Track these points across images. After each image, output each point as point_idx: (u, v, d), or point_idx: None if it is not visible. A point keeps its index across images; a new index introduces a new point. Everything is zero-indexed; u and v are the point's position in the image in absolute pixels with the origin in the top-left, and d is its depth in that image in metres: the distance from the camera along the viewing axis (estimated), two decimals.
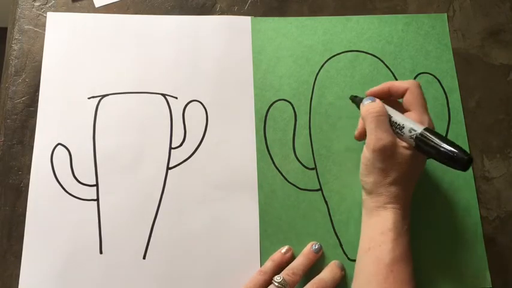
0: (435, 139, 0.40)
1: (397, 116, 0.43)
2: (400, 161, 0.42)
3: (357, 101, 0.48)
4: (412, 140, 0.41)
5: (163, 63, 0.53)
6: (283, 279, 0.44)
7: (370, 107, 0.44)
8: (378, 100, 0.45)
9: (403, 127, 0.42)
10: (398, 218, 0.42)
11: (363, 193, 0.45)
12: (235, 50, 0.54)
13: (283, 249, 0.47)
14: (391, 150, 0.42)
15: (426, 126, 0.42)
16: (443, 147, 0.39)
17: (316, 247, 0.47)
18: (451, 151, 0.39)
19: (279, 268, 0.46)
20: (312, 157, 0.51)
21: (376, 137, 0.42)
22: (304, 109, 0.52)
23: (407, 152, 0.42)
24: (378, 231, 0.42)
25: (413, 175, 0.44)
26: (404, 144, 0.42)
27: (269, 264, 0.46)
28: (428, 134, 0.40)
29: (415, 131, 0.41)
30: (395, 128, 0.43)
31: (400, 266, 0.40)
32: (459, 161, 0.38)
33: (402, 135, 0.42)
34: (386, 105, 0.45)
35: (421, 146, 0.41)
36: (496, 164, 0.52)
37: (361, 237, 0.44)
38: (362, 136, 0.47)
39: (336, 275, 0.46)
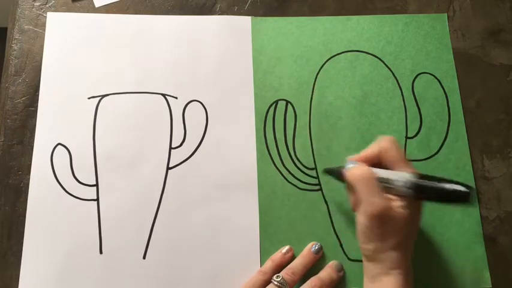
0: (431, 181, 0.38)
1: (381, 173, 0.41)
2: (398, 223, 0.40)
3: (334, 170, 0.45)
4: (407, 188, 0.39)
5: (163, 63, 0.53)
6: (283, 278, 0.44)
7: (356, 171, 0.41)
8: (361, 163, 0.42)
9: (392, 179, 0.40)
10: (401, 282, 0.40)
11: (363, 259, 0.43)
12: (235, 50, 0.54)
13: (284, 250, 0.47)
14: (387, 214, 0.39)
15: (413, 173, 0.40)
16: (444, 186, 0.38)
17: (316, 248, 0.47)
18: (452, 188, 0.38)
19: (279, 268, 0.46)
20: (312, 157, 0.51)
21: (371, 203, 0.40)
22: (304, 109, 0.52)
23: (404, 211, 0.40)
24: None
25: (412, 235, 0.42)
26: (398, 204, 0.40)
27: (269, 264, 0.46)
28: (422, 178, 0.39)
29: (407, 179, 0.39)
30: (383, 183, 0.40)
31: None
32: (462, 196, 0.37)
33: (393, 188, 0.40)
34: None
35: (421, 190, 0.39)
36: (496, 164, 0.52)
37: None
38: (358, 206, 0.42)
39: (334, 276, 0.46)
